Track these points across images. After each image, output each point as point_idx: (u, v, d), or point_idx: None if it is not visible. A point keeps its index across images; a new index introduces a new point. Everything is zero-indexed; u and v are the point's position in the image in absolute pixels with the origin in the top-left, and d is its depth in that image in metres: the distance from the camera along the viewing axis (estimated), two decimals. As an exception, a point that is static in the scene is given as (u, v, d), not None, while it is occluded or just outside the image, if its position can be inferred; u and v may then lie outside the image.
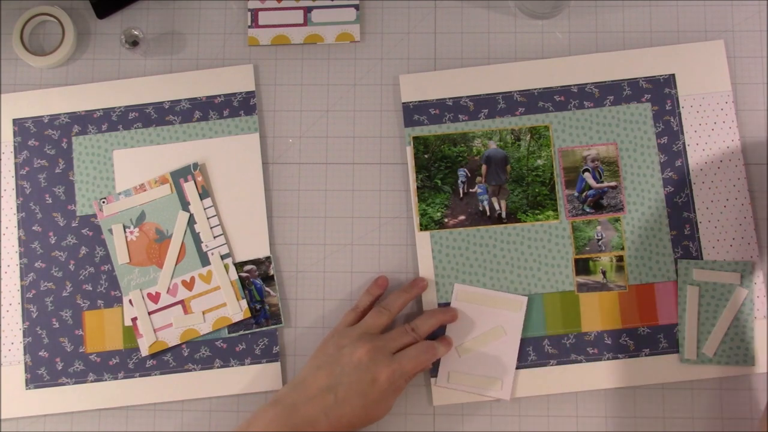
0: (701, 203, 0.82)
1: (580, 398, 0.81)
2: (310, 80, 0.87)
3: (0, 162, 0.86)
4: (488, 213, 0.83)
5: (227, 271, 0.83)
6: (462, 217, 0.83)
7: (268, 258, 0.83)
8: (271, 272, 0.83)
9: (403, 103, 0.85)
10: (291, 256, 0.84)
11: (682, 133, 0.83)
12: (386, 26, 0.87)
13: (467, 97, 0.84)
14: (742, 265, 0.80)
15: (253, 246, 0.84)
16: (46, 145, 0.86)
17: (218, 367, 0.82)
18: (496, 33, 0.87)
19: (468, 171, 0.83)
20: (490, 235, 0.82)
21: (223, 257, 0.83)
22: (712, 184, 0.82)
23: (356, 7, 0.87)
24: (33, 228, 0.84)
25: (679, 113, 0.83)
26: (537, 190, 0.83)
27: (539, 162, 0.83)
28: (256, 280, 0.83)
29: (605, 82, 0.84)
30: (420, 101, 0.85)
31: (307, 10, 0.87)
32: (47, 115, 0.86)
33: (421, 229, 0.83)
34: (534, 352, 0.81)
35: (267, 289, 0.83)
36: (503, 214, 0.83)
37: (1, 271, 0.84)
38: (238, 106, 0.86)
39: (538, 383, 0.80)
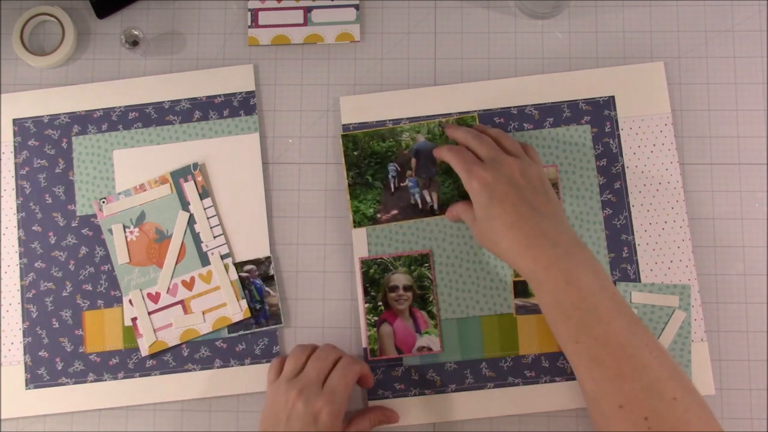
0: (639, 226, 0.82)
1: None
2: (310, 80, 0.87)
3: (0, 162, 0.86)
4: (420, 206, 0.83)
5: (227, 271, 0.83)
6: (395, 212, 0.83)
7: (268, 258, 0.83)
8: (271, 272, 0.83)
9: (343, 125, 0.84)
10: (291, 256, 0.84)
11: (621, 155, 0.83)
12: (386, 26, 0.87)
13: (407, 119, 0.84)
14: (680, 288, 0.80)
15: (253, 246, 0.84)
16: (46, 145, 0.86)
17: (218, 367, 0.82)
18: (496, 33, 0.87)
19: (398, 165, 0.83)
20: (424, 227, 0.82)
21: (223, 257, 0.83)
22: (650, 206, 0.82)
23: (356, 7, 0.87)
24: (33, 228, 0.84)
25: (618, 135, 0.83)
26: None
27: None
28: (256, 280, 0.83)
29: (545, 103, 0.84)
30: (360, 123, 0.84)
31: (307, 10, 0.87)
32: (47, 115, 0.86)
33: (354, 226, 0.83)
34: (471, 375, 0.80)
35: (267, 289, 0.83)
36: (435, 206, 0.83)
37: (1, 271, 0.84)
38: (238, 106, 0.86)
39: (476, 406, 0.80)
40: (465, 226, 0.82)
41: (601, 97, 0.84)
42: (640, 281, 0.81)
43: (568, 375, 0.80)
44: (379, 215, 0.83)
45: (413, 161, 0.84)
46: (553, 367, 0.80)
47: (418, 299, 0.81)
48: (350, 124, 0.84)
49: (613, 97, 0.84)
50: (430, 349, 0.80)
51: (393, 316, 0.81)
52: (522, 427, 0.80)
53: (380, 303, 0.81)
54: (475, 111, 0.84)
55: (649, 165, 0.83)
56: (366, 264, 0.82)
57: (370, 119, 0.84)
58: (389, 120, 0.84)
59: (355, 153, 0.83)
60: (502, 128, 0.83)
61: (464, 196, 0.82)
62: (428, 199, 0.83)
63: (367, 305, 0.81)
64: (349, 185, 0.83)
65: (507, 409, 0.80)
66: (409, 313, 0.81)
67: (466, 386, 0.80)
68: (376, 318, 0.81)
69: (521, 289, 0.81)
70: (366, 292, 0.81)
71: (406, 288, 0.81)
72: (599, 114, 0.84)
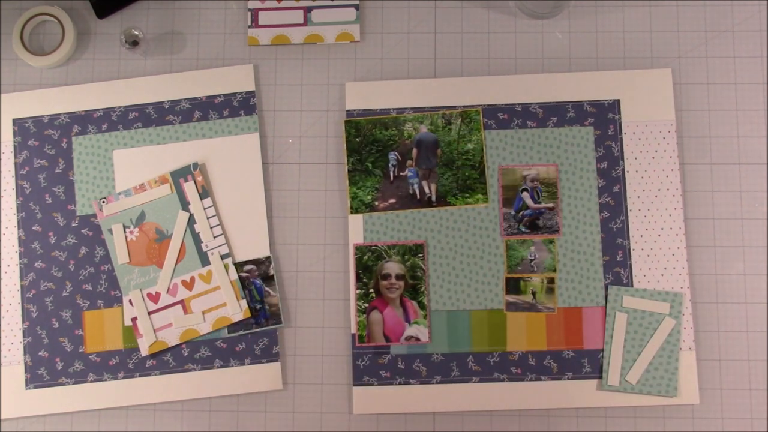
0: (636, 230, 0.82)
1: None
2: (310, 80, 0.87)
3: (0, 162, 0.86)
4: (418, 196, 0.83)
5: (227, 271, 0.83)
6: (392, 200, 0.83)
7: (268, 258, 0.83)
8: (271, 272, 0.83)
9: (347, 110, 0.85)
10: (291, 256, 0.84)
11: (623, 159, 0.83)
12: (386, 26, 0.87)
13: (411, 108, 0.84)
14: (672, 296, 0.80)
15: (253, 246, 0.84)
16: (46, 145, 0.86)
17: (218, 367, 0.82)
18: (496, 33, 0.87)
19: (398, 155, 0.84)
20: (421, 218, 0.82)
21: (223, 257, 0.83)
22: (648, 212, 0.82)
23: (356, 7, 0.87)
24: (33, 228, 0.84)
25: (621, 139, 0.83)
26: (467, 173, 0.83)
27: (469, 146, 0.83)
28: (256, 280, 0.83)
29: (549, 102, 0.84)
30: (364, 110, 0.85)
31: (307, 10, 0.87)
32: (47, 115, 0.86)
33: (351, 212, 0.83)
34: (458, 368, 0.80)
35: (267, 289, 0.83)
36: (433, 198, 0.83)
37: (1, 271, 0.84)
38: (238, 106, 0.86)
39: (461, 400, 0.80)
40: (461, 219, 0.82)
41: (606, 100, 0.84)
42: (632, 286, 0.81)
43: (554, 374, 0.80)
44: (376, 203, 0.83)
45: (414, 151, 0.84)
46: (539, 365, 0.80)
47: (410, 289, 0.81)
48: (354, 110, 0.85)
49: (618, 100, 0.84)
50: (418, 339, 0.81)
51: (383, 304, 0.81)
52: (522, 424, 0.80)
53: (372, 290, 0.81)
54: (479, 105, 0.84)
55: (649, 170, 0.83)
56: (360, 250, 0.82)
57: (374, 107, 0.85)
58: (393, 109, 0.85)
59: (357, 139, 0.84)
60: (506, 124, 0.84)
61: (462, 189, 0.82)
62: (427, 190, 0.83)
63: (358, 291, 0.81)
64: (348, 171, 0.83)
65: (491, 404, 0.80)
66: (399, 302, 0.81)
67: (451, 379, 0.80)
68: (366, 304, 0.81)
69: (513, 285, 0.81)
70: (358, 278, 0.82)
71: (398, 277, 0.82)
72: (603, 116, 0.84)
